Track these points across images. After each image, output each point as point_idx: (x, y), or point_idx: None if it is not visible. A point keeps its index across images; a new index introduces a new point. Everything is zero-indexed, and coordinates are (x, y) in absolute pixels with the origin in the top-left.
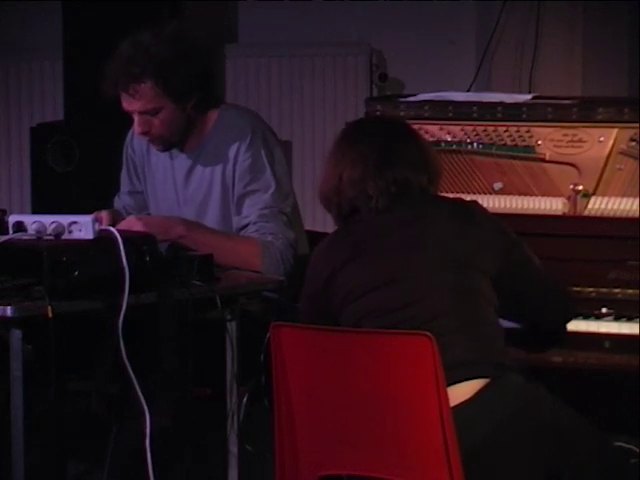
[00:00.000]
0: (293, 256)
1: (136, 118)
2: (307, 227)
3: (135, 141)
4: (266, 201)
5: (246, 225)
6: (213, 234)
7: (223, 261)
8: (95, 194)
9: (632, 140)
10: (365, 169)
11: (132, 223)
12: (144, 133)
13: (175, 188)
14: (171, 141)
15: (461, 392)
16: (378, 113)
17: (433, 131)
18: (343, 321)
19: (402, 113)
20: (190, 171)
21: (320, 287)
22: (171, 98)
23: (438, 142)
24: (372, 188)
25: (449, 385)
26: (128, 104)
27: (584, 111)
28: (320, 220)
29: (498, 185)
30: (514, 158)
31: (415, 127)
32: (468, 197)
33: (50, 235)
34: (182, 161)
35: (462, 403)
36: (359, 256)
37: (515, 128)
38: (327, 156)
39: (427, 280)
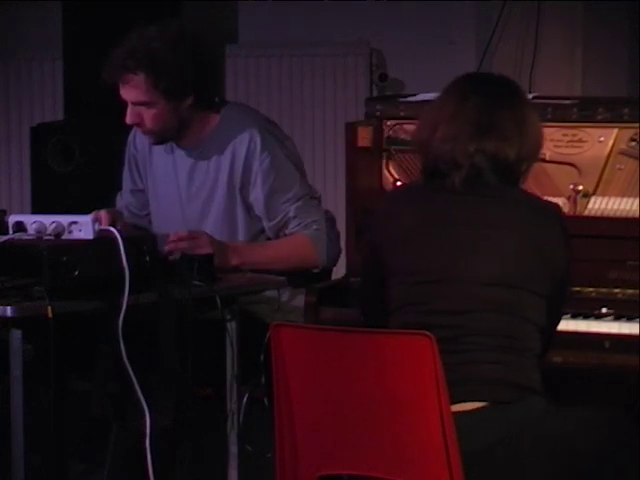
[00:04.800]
0: (334, 232)
1: (129, 108)
2: None
3: (138, 139)
4: (297, 193)
5: (286, 222)
6: (264, 249)
7: (284, 268)
8: (95, 194)
9: (632, 140)
10: (459, 129)
11: (203, 242)
12: (134, 124)
13: (177, 185)
14: (163, 136)
15: (469, 406)
16: (378, 113)
17: None
18: (385, 295)
19: (402, 113)
20: (193, 168)
21: (377, 245)
22: (162, 95)
23: None
24: (460, 151)
25: (459, 402)
26: (124, 92)
27: (584, 111)
28: None
29: None
30: None
31: (415, 127)
32: None
33: (50, 235)
34: (184, 158)
35: (467, 412)
36: (423, 233)
37: None
38: (432, 104)
39: (478, 290)
